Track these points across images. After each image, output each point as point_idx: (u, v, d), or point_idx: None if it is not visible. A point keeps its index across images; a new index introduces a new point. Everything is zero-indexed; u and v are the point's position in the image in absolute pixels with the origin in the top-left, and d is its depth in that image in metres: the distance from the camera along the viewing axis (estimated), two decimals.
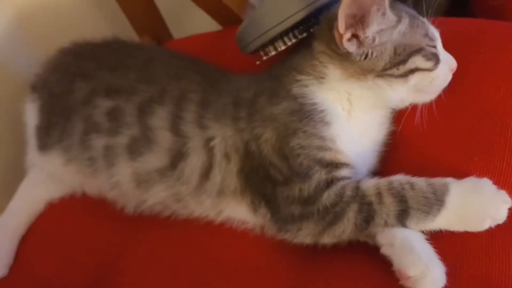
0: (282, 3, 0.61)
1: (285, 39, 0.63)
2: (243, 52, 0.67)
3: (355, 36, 0.57)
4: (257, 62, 0.66)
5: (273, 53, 0.65)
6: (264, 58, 0.66)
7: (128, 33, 1.09)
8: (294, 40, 0.64)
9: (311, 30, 0.64)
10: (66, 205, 0.80)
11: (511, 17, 0.74)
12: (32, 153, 0.80)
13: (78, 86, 0.74)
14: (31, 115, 0.80)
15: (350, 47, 0.58)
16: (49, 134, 0.76)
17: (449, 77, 0.61)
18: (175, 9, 1.12)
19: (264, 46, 0.65)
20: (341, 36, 0.57)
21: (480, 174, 0.55)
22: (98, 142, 0.69)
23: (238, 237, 0.66)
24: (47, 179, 0.79)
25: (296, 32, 0.63)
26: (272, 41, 0.64)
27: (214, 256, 0.67)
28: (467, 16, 0.72)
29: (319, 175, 0.57)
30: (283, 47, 0.64)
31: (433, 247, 0.53)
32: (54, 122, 0.76)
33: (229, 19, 0.90)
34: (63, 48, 0.82)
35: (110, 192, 0.71)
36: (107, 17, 1.13)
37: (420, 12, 0.63)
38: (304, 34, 0.64)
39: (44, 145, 0.77)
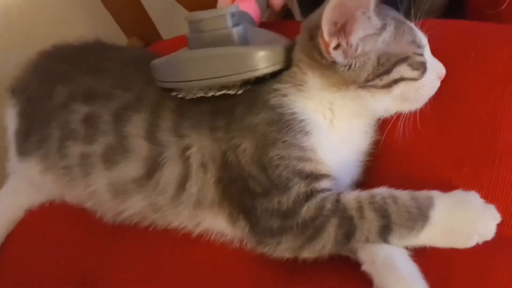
0: (216, 63, 0.58)
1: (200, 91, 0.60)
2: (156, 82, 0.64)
3: (338, 45, 0.54)
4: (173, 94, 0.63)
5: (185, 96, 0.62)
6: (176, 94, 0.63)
7: (116, 34, 1.08)
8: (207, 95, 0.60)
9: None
10: (46, 212, 0.77)
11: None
12: (13, 159, 0.78)
13: (57, 91, 0.72)
14: (11, 120, 0.78)
15: (337, 56, 0.55)
16: (28, 141, 0.73)
17: (437, 84, 0.58)
18: (164, 9, 1.10)
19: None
20: (327, 44, 0.54)
21: (468, 187, 0.53)
22: (75, 150, 0.67)
23: (219, 248, 0.64)
24: (27, 186, 0.77)
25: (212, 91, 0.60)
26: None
27: (194, 268, 0.64)
28: None
29: (298, 187, 0.54)
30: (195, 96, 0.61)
31: (417, 265, 0.50)
32: (33, 127, 0.73)
33: None
34: (43, 51, 0.79)
35: (87, 202, 0.69)
36: (95, 19, 1.11)
37: (412, 14, 0.60)
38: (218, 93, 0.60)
39: (23, 151, 0.75)
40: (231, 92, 0.59)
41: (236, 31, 0.61)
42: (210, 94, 0.60)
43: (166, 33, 1.08)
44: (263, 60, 0.57)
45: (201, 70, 0.59)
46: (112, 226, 0.70)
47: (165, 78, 0.63)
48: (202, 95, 0.60)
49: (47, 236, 0.76)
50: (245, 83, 0.59)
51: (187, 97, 0.62)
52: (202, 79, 0.59)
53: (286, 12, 1.12)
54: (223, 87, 0.59)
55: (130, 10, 0.98)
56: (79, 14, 1.11)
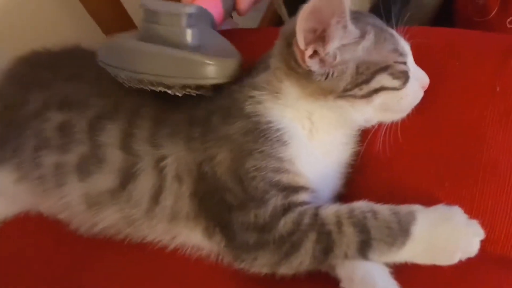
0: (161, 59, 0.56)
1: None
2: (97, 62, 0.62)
3: (315, 53, 0.52)
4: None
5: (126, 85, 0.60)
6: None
7: (96, 34, 1.06)
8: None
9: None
10: (20, 224, 0.75)
11: None
12: None
13: (32, 98, 0.69)
14: None
15: (313, 65, 0.53)
16: (2, 149, 0.71)
17: (420, 94, 0.56)
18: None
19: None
20: (302, 52, 0.52)
21: (451, 201, 0.51)
22: (49, 159, 0.65)
23: (196, 263, 0.61)
24: (1, 196, 0.75)
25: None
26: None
27: (170, 282, 0.62)
28: None
29: (275, 200, 0.52)
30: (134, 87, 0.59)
31: (398, 282, 0.49)
32: (8, 136, 0.71)
33: None
34: (20, 57, 0.77)
35: (61, 213, 0.66)
36: (74, 19, 1.09)
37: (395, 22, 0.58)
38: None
39: None
40: (171, 92, 0.58)
41: (189, 33, 0.59)
42: (149, 88, 0.58)
43: None
44: (208, 71, 0.56)
45: (144, 64, 0.57)
46: (87, 241, 0.67)
47: (108, 61, 0.61)
48: (141, 87, 0.59)
49: (22, 247, 0.73)
50: (186, 87, 0.57)
51: (126, 85, 0.60)
52: (143, 73, 0.57)
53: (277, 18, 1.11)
54: (163, 85, 0.57)
55: (109, 9, 0.95)
56: (58, 14, 1.09)
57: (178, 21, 0.58)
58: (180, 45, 0.58)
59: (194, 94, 0.58)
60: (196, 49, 0.59)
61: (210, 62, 0.56)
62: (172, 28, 0.59)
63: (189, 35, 0.59)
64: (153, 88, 0.58)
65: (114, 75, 0.61)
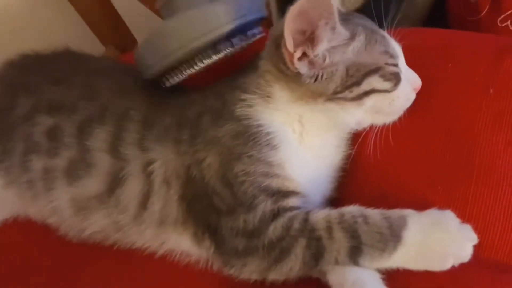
0: (193, 22, 0.55)
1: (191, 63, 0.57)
2: (144, 77, 0.62)
3: (304, 55, 0.51)
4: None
5: (176, 80, 0.60)
6: (167, 84, 0.61)
7: (93, 43, 1.05)
8: (201, 65, 0.58)
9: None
10: (8, 229, 0.74)
11: (487, 32, 0.69)
12: None
13: (21, 102, 0.68)
14: None
15: (302, 67, 0.52)
16: None
17: (412, 96, 0.55)
18: (140, 17, 1.07)
19: (168, 71, 0.59)
20: (291, 54, 0.51)
21: (443, 205, 0.50)
22: (37, 163, 0.64)
23: (186, 268, 0.60)
24: None
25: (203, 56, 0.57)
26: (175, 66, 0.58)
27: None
28: None
29: (265, 205, 0.51)
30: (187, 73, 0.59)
31: None
32: None
33: None
34: (9, 61, 0.76)
35: (50, 218, 0.65)
36: (71, 28, 1.09)
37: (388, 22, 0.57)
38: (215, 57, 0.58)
39: None
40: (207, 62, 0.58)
41: None
42: (190, 70, 0.58)
43: None
44: (228, 14, 0.56)
45: (175, 36, 0.56)
46: (76, 244, 0.66)
47: (150, 63, 0.60)
48: (184, 76, 0.59)
49: (10, 256, 0.71)
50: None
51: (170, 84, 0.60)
52: (179, 48, 0.56)
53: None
54: (198, 53, 0.57)
55: (106, 19, 0.95)
56: (55, 22, 1.09)
57: None
58: (197, 5, 0.57)
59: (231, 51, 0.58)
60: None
61: (224, 7, 0.55)
62: None
63: None
64: (193, 67, 0.58)
65: (161, 80, 0.61)
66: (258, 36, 0.61)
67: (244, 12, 0.57)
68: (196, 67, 0.58)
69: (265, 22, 0.68)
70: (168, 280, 0.60)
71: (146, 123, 0.60)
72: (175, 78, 0.60)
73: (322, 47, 0.51)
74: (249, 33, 0.59)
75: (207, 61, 0.58)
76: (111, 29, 0.97)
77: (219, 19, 0.56)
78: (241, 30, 0.58)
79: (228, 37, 0.57)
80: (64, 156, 0.62)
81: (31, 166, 0.64)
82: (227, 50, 0.58)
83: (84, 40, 1.04)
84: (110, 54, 0.98)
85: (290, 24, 0.48)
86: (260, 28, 0.62)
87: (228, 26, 0.56)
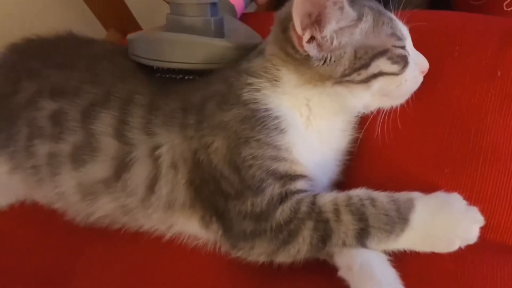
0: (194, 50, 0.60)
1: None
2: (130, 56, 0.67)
3: (312, 38, 0.51)
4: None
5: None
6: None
7: (95, 25, 1.04)
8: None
9: None
10: (15, 213, 0.74)
11: None
12: None
13: (24, 86, 0.68)
14: None
15: (311, 49, 0.51)
16: None
17: (419, 79, 0.55)
18: (143, 0, 1.06)
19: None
20: (300, 37, 0.51)
21: (450, 188, 0.50)
22: (42, 148, 0.63)
23: (194, 251, 0.61)
24: None
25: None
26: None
27: (167, 272, 0.61)
28: None
29: (273, 189, 0.51)
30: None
31: (397, 270, 0.48)
32: (0, 126, 0.70)
33: None
34: (11, 45, 0.75)
35: (56, 203, 0.65)
36: (72, 10, 1.07)
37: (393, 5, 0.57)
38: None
39: None
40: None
41: (213, 21, 0.63)
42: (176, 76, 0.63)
43: (145, 25, 1.05)
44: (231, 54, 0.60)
45: (173, 52, 0.61)
46: (83, 228, 0.66)
47: (140, 53, 0.64)
48: (170, 75, 0.63)
49: (16, 240, 0.72)
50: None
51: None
52: (172, 62, 0.61)
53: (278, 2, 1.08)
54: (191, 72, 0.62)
55: (108, 2, 0.94)
56: (57, 6, 1.07)
57: (204, 11, 0.63)
58: (205, 33, 0.62)
59: None
60: (219, 35, 0.64)
61: (232, 46, 0.60)
62: (198, 18, 0.63)
63: (213, 24, 0.64)
64: (180, 75, 0.62)
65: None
66: None
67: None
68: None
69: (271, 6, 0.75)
70: (176, 262, 0.61)
71: (151, 107, 0.59)
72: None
73: (330, 28, 0.50)
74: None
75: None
76: (113, 13, 0.95)
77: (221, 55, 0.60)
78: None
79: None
80: (69, 141, 0.61)
81: (36, 151, 0.64)
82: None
83: (85, 23, 1.03)
84: (112, 37, 0.97)
85: (298, 6, 0.48)
86: None
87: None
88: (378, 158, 0.56)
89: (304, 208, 0.50)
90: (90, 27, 1.02)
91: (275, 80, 0.54)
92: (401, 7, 0.57)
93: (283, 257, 0.52)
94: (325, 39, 0.51)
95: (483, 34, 0.57)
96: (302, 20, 0.49)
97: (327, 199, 0.51)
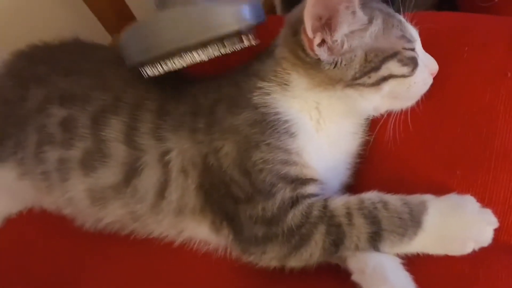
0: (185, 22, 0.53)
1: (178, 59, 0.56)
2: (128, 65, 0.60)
3: (323, 41, 0.51)
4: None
5: (155, 72, 0.58)
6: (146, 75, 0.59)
7: (100, 32, 1.04)
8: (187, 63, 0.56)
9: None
10: (24, 220, 0.74)
11: None
12: None
13: (32, 93, 0.68)
14: None
15: (322, 53, 0.51)
16: (3, 145, 0.70)
17: (429, 81, 0.55)
18: (147, 6, 1.06)
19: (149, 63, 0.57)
20: (310, 41, 0.51)
21: (463, 190, 0.50)
22: (52, 155, 0.63)
23: (203, 256, 0.61)
24: (3, 193, 0.74)
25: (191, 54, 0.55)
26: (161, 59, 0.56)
27: (177, 277, 0.62)
28: None
29: (283, 193, 0.51)
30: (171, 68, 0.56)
31: (410, 273, 0.48)
32: (8, 132, 0.69)
33: None
34: (17, 51, 0.75)
35: (66, 209, 0.65)
36: (77, 16, 1.08)
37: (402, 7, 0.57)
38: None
39: None
40: (198, 58, 0.55)
41: None
42: (177, 65, 0.56)
43: None
44: (226, 17, 0.54)
45: (168, 32, 0.55)
46: (93, 234, 0.67)
47: (133, 53, 0.59)
48: (168, 69, 0.57)
49: (26, 246, 0.72)
50: (212, 45, 0.55)
51: (151, 73, 0.58)
52: (169, 42, 0.54)
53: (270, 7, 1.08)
54: (189, 51, 0.55)
55: (112, 8, 0.94)
56: (61, 12, 1.08)
57: None
58: (195, 2, 0.55)
59: (222, 53, 0.55)
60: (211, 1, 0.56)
61: (227, 8, 0.54)
62: None
63: None
64: (180, 62, 0.56)
65: (142, 71, 0.59)
66: (253, 42, 0.58)
67: (245, 16, 0.55)
68: (181, 64, 0.56)
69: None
70: (187, 267, 0.60)
71: (160, 112, 0.59)
72: (155, 70, 0.58)
73: (341, 32, 0.50)
74: (244, 37, 0.57)
75: (198, 58, 0.56)
76: (117, 18, 0.95)
77: (219, 19, 0.54)
78: (237, 34, 0.56)
79: (222, 39, 0.55)
80: (79, 147, 0.61)
81: (46, 158, 0.64)
82: (219, 51, 0.56)
83: (90, 29, 1.03)
84: (117, 43, 0.97)
85: (310, 9, 0.48)
86: (254, 34, 0.59)
87: (228, 28, 0.54)
88: (388, 160, 0.56)
89: (315, 212, 0.50)
90: (95, 32, 1.02)
91: (285, 84, 0.54)
92: (409, 8, 0.57)
93: (295, 262, 0.52)
94: (336, 42, 0.51)
95: (492, 34, 0.56)
96: (313, 23, 0.49)
97: (339, 202, 0.50)
